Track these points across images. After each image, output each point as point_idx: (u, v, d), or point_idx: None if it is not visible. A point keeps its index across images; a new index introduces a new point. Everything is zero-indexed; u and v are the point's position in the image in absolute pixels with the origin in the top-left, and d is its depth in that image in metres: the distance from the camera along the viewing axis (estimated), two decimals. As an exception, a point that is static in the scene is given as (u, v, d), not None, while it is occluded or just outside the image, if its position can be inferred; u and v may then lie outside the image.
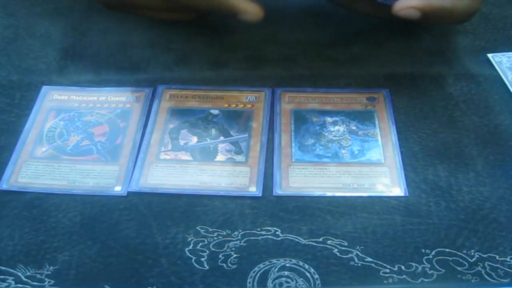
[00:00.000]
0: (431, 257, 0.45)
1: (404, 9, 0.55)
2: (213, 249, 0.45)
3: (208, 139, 0.54)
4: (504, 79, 0.60)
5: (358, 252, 0.45)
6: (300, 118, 0.56)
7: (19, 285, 0.43)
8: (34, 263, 0.45)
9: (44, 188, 0.50)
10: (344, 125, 0.55)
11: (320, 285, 0.43)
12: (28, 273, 0.44)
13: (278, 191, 0.50)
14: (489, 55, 0.63)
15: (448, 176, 0.51)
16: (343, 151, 0.53)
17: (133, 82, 0.60)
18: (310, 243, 0.46)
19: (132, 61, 0.63)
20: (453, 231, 0.46)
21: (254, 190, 0.50)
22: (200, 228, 0.47)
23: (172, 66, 0.62)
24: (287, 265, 0.44)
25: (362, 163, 0.52)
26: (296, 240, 0.46)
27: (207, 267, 0.44)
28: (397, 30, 0.66)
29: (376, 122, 0.56)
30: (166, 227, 0.47)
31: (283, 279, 0.44)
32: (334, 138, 0.54)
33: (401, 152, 0.53)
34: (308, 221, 0.47)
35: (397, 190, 0.50)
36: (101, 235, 0.47)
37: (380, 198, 0.49)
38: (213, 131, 0.55)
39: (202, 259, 0.45)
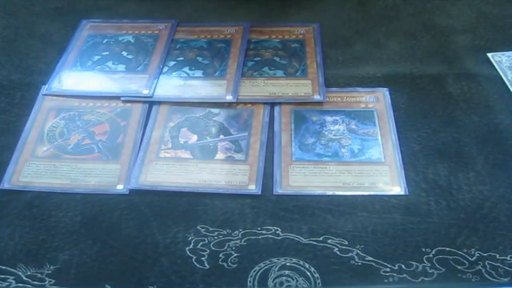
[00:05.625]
0: (431, 256, 0.45)
1: None
2: (213, 248, 0.45)
3: (208, 137, 0.54)
4: (504, 78, 0.60)
5: (358, 251, 0.45)
6: (300, 117, 0.56)
7: (20, 284, 0.43)
8: (35, 262, 0.45)
9: (45, 187, 0.50)
10: (344, 124, 0.55)
11: (320, 284, 0.43)
12: (29, 273, 0.44)
13: (278, 190, 0.50)
14: (489, 55, 0.63)
15: (448, 175, 0.51)
16: (343, 150, 0.53)
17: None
18: (311, 242, 0.46)
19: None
20: (453, 230, 0.46)
21: (253, 188, 0.50)
22: (200, 227, 0.47)
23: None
24: (288, 264, 0.44)
25: (362, 162, 0.52)
26: (297, 239, 0.46)
27: (208, 266, 0.44)
28: (397, 30, 0.66)
29: (376, 121, 0.56)
30: (166, 227, 0.47)
31: (284, 278, 0.44)
32: (334, 137, 0.54)
33: (401, 151, 0.53)
34: (309, 220, 0.47)
35: (397, 189, 0.50)
36: (101, 234, 0.47)
37: (380, 197, 0.49)
38: (213, 129, 0.55)
39: (203, 258, 0.45)
